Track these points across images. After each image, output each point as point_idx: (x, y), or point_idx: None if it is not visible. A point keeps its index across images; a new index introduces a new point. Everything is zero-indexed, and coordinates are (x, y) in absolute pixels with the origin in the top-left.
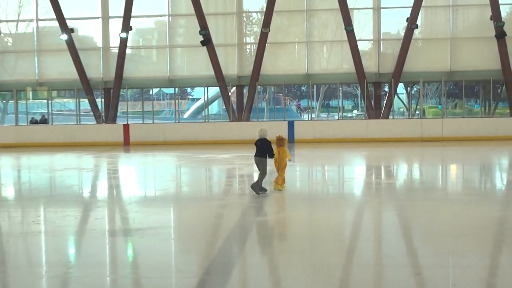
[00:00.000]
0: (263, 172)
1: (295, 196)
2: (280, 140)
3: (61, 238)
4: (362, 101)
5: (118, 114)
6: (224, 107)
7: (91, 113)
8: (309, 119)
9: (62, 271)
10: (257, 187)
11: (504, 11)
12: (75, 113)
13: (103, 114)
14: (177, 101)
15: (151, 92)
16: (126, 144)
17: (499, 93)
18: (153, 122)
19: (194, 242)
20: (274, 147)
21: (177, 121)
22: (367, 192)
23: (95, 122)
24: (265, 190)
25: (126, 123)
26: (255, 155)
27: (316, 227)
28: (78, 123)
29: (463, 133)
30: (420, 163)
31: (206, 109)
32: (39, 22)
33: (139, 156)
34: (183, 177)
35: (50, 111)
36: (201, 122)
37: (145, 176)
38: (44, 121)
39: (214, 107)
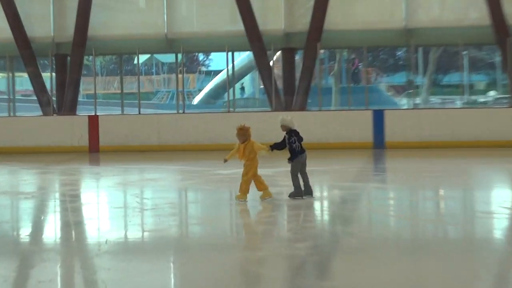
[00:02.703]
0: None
1: (389, 244)
2: (242, 132)
3: None
4: (505, 76)
5: (81, 98)
6: (262, 87)
7: (34, 97)
8: (411, 106)
9: None
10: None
11: None
12: (5, 97)
13: (54, 99)
14: (180, 76)
15: (136, 62)
16: (94, 150)
17: None
18: (139, 113)
19: None
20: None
21: (180, 111)
22: None
23: (41, 113)
24: (310, 194)
25: (93, 113)
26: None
27: None
28: (11, 114)
29: None
30: None
31: (231, 90)
32: None
33: (116, 172)
34: (191, 209)
35: None
36: (222, 113)
37: (125, 207)
38: None
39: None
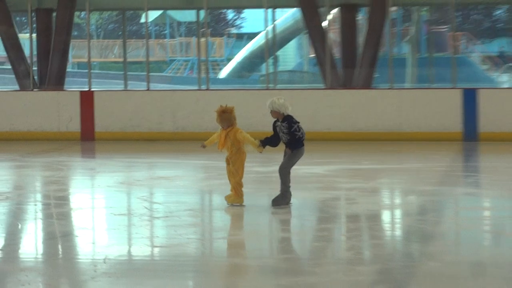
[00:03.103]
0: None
1: (483, 271)
2: (226, 115)
3: None
4: None
5: (70, 69)
6: (312, 56)
7: (7, 66)
8: None
9: None
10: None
11: None
12: None
13: (34, 68)
14: (203, 40)
15: (143, 20)
16: (87, 137)
17: None
18: (148, 89)
19: None
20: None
21: (203, 87)
22: None
23: (17, 87)
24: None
25: (87, 89)
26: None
27: None
28: None
29: None
30: None
31: (271, 60)
32: None
33: (117, 167)
34: (217, 217)
35: None
36: (259, 90)
37: (129, 213)
38: None
39: (288, 57)
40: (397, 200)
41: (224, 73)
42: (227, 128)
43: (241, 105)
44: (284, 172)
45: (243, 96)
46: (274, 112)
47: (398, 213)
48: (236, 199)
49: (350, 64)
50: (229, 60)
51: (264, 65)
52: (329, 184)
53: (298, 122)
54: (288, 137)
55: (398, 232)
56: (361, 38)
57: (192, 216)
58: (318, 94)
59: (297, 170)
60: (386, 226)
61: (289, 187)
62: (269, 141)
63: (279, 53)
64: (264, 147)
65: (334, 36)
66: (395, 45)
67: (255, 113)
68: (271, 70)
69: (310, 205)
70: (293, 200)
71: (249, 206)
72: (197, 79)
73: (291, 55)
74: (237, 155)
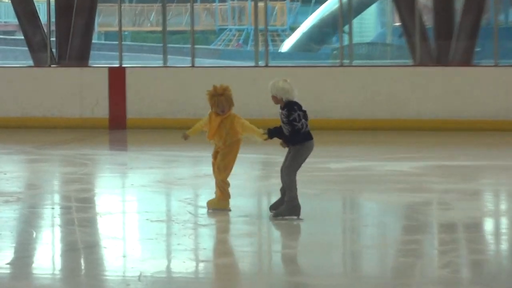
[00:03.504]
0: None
1: None
2: (224, 98)
3: None
4: None
5: (96, 40)
6: (397, 24)
7: (20, 37)
8: None
9: None
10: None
11: None
12: None
13: (52, 39)
14: (261, 4)
15: None
16: (117, 125)
17: None
18: (193, 66)
19: None
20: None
21: (260, 63)
22: None
23: (32, 63)
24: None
25: (117, 65)
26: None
27: None
28: None
29: None
30: None
31: (346, 30)
32: None
33: (153, 162)
34: (278, 225)
35: None
36: (330, 67)
37: (169, 220)
38: None
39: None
40: (503, 206)
41: (286, 46)
42: (222, 113)
43: (308, 86)
44: (289, 175)
45: (310, 74)
46: (273, 97)
47: (504, 221)
48: (219, 202)
49: (445, 35)
50: (292, 29)
51: (336, 36)
52: (418, 185)
53: (303, 111)
54: (289, 128)
55: (504, 246)
56: (458, 3)
57: (246, 223)
58: (404, 72)
59: (377, 167)
60: (490, 238)
61: (296, 197)
62: (279, 132)
63: (355, 21)
64: (271, 138)
65: (424, 0)
66: (501, 11)
67: (326, 95)
68: (345, 42)
69: (393, 210)
70: (372, 205)
71: (315, 212)
72: (253, 53)
73: (371, 23)
74: (230, 148)
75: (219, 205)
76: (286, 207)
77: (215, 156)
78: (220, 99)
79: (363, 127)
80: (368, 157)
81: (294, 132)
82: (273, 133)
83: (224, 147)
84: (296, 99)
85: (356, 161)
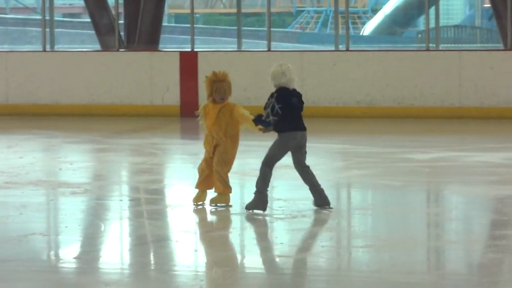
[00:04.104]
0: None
1: None
2: (225, 84)
3: None
4: None
5: (166, 22)
6: (487, 6)
7: (86, 19)
8: None
9: None
10: None
11: None
12: (38, 17)
13: (120, 22)
14: None
15: None
16: (189, 113)
17: None
18: (269, 50)
19: None
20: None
21: (341, 47)
22: None
23: (99, 47)
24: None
25: (189, 49)
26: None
27: None
28: (47, 47)
29: None
30: None
31: (432, 11)
32: None
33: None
34: (360, 220)
35: None
36: (416, 51)
37: (242, 212)
38: None
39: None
40: None
41: (368, 29)
42: (221, 101)
43: (391, 71)
44: (263, 164)
45: (394, 59)
46: (274, 83)
47: None
48: (222, 198)
49: None
50: (374, 11)
51: (422, 18)
52: (508, 176)
53: (287, 100)
54: (275, 117)
55: None
56: None
57: (326, 217)
58: (494, 57)
59: (464, 158)
60: None
61: (264, 190)
62: (262, 119)
63: (442, 2)
64: (256, 125)
65: None
66: None
67: (410, 81)
68: (431, 25)
69: (481, 204)
70: (458, 198)
71: (397, 205)
72: (333, 36)
73: (459, 5)
74: (232, 140)
75: (222, 200)
76: (252, 200)
77: (213, 150)
78: (222, 85)
79: (449, 115)
80: (455, 148)
81: (262, 118)
82: (258, 121)
83: (225, 139)
84: (293, 86)
85: (442, 151)
